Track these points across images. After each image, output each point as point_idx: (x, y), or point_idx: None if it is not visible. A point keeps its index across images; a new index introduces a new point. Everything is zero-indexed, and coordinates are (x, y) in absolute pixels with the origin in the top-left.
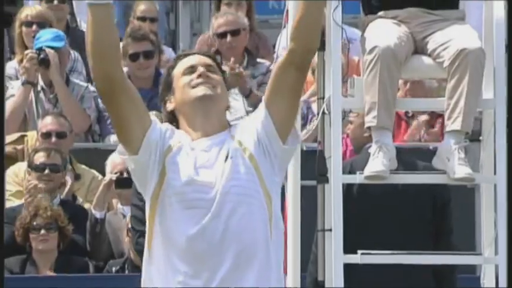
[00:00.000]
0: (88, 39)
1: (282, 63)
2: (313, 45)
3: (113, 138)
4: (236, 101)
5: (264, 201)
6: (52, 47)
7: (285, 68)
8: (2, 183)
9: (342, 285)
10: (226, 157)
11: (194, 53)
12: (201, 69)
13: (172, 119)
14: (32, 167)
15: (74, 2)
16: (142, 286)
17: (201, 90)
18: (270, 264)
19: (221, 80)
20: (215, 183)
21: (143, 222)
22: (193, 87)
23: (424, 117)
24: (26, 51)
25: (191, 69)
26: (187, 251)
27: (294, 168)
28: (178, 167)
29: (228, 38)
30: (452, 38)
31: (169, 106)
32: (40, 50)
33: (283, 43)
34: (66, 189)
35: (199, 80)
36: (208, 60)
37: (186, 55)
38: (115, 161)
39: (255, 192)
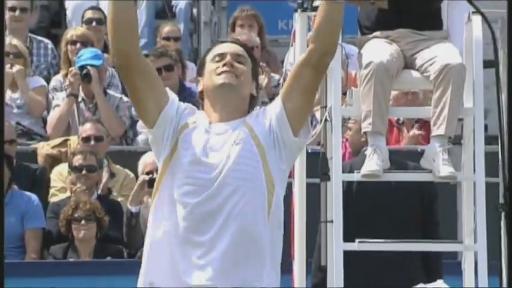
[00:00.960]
0: (109, 17)
1: (300, 62)
2: (332, 48)
3: (140, 137)
4: None
5: (265, 188)
6: (92, 65)
7: (302, 67)
8: (1, 184)
9: (342, 270)
10: (234, 141)
11: (228, 41)
12: (228, 57)
13: (203, 97)
14: (72, 168)
15: None
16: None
17: (222, 78)
18: (264, 249)
19: (247, 69)
20: (218, 165)
21: None
22: (218, 74)
23: (417, 132)
24: (71, 68)
25: (220, 57)
26: (188, 217)
27: (300, 167)
28: (189, 145)
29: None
30: (437, 54)
31: (199, 87)
32: (82, 67)
33: (290, 59)
34: (102, 184)
35: (224, 69)
36: (238, 49)
37: (221, 42)
38: (146, 162)
39: (256, 179)
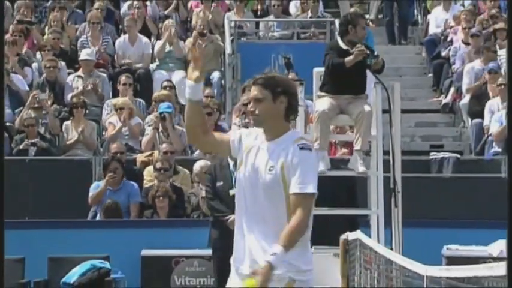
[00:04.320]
0: (185, 120)
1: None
2: None
3: (195, 153)
4: None
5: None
6: (167, 112)
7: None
8: (1, 185)
9: None
10: (271, 168)
11: (251, 85)
12: (249, 106)
13: None
14: (156, 169)
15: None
16: None
17: (252, 120)
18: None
19: (265, 102)
20: (258, 181)
21: (210, 194)
22: (249, 115)
23: (345, 150)
24: (155, 113)
25: (248, 102)
26: (243, 213)
27: None
28: (245, 164)
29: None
30: (357, 106)
31: None
32: (161, 113)
33: None
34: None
35: (249, 114)
36: (255, 92)
37: (250, 85)
38: (197, 168)
39: (279, 195)
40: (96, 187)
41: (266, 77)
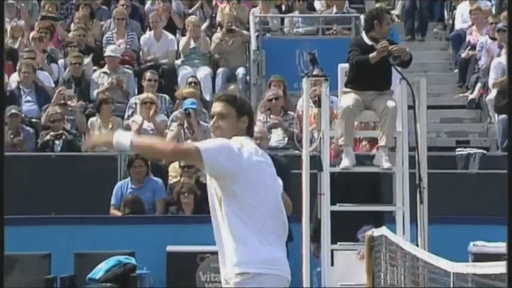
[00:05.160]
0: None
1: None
2: None
3: None
4: None
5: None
6: (191, 108)
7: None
8: (1, 186)
9: (330, 221)
10: None
11: (215, 101)
12: (213, 121)
13: None
14: (180, 166)
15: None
16: None
17: (213, 135)
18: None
19: (229, 119)
20: None
21: None
22: (212, 131)
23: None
24: (180, 110)
25: (211, 117)
26: None
27: (305, 164)
28: None
29: (273, 101)
30: (382, 101)
31: None
32: (186, 109)
33: (300, 104)
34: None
35: (212, 129)
36: (220, 107)
37: (215, 101)
38: None
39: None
40: (119, 189)
41: (231, 95)
